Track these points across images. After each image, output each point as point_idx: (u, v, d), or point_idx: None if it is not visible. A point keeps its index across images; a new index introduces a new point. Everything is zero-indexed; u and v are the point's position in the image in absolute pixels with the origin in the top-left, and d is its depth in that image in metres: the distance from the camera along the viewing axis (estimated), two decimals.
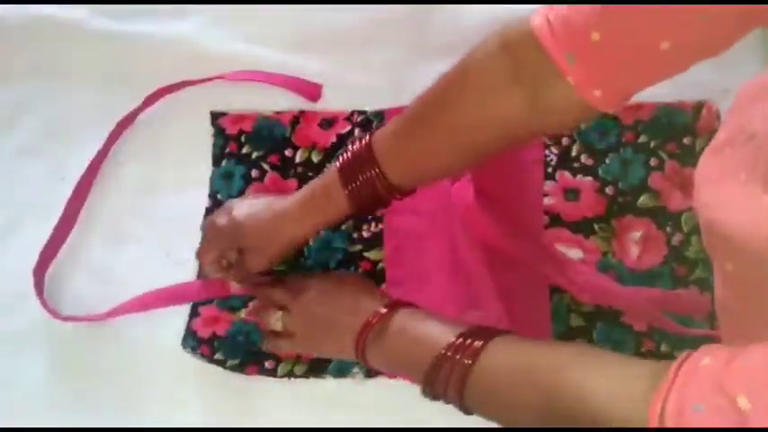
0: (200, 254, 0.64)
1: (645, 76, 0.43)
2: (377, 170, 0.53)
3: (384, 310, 0.54)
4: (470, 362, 0.46)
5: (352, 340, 0.54)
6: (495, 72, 0.46)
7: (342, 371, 0.62)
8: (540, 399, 0.42)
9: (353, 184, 0.54)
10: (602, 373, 0.40)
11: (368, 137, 0.55)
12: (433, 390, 0.49)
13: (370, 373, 0.62)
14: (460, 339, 0.48)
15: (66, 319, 0.65)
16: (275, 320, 0.59)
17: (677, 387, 0.33)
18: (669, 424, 0.32)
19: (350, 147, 0.56)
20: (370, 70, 0.63)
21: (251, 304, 0.64)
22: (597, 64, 0.42)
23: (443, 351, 0.48)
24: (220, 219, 0.61)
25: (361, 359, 0.55)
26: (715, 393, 0.31)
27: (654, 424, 0.33)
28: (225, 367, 0.63)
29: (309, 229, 0.59)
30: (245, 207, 0.61)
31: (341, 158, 0.56)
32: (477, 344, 0.47)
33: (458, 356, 0.47)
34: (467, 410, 0.48)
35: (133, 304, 0.64)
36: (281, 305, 0.59)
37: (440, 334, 0.50)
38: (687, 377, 0.33)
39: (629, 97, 0.45)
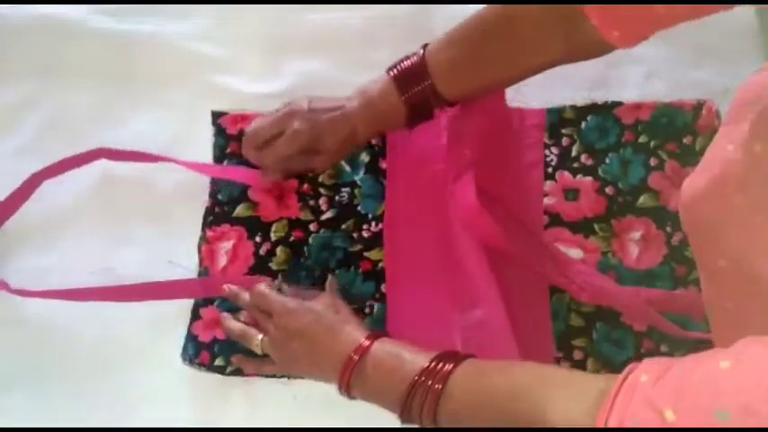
0: (273, 147, 0.64)
1: (653, 20, 0.50)
2: (429, 83, 0.59)
3: (366, 343, 0.53)
4: (440, 386, 0.47)
5: (335, 372, 0.53)
6: (540, 21, 0.55)
7: None
8: (500, 423, 0.43)
9: (407, 94, 0.60)
10: (554, 396, 0.40)
11: (421, 51, 0.59)
12: (410, 416, 0.49)
13: None
14: (432, 364, 0.49)
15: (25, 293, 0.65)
16: (255, 345, 0.58)
17: (618, 406, 0.34)
18: None
19: (403, 60, 0.60)
20: (371, 70, 0.63)
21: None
22: (612, 11, 0.50)
23: (417, 377, 0.48)
24: (301, 125, 0.62)
25: (347, 394, 0.54)
26: (646, 411, 0.32)
27: None
28: (224, 374, 0.62)
29: (372, 135, 0.66)
30: (321, 109, 0.63)
31: (395, 70, 0.60)
32: (447, 368, 0.48)
33: (429, 382, 0.48)
34: None
35: (118, 290, 0.64)
36: (262, 328, 0.59)
37: (413, 361, 0.50)
38: (626, 395, 0.34)
39: (647, 37, 0.53)
